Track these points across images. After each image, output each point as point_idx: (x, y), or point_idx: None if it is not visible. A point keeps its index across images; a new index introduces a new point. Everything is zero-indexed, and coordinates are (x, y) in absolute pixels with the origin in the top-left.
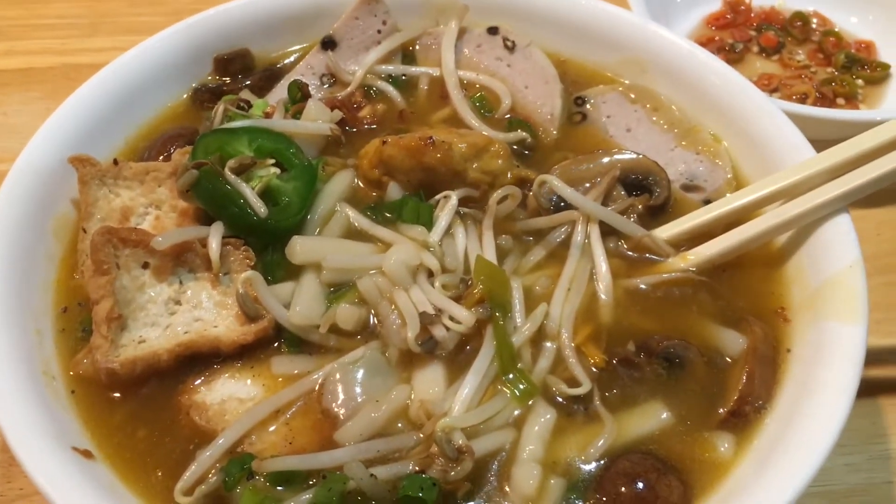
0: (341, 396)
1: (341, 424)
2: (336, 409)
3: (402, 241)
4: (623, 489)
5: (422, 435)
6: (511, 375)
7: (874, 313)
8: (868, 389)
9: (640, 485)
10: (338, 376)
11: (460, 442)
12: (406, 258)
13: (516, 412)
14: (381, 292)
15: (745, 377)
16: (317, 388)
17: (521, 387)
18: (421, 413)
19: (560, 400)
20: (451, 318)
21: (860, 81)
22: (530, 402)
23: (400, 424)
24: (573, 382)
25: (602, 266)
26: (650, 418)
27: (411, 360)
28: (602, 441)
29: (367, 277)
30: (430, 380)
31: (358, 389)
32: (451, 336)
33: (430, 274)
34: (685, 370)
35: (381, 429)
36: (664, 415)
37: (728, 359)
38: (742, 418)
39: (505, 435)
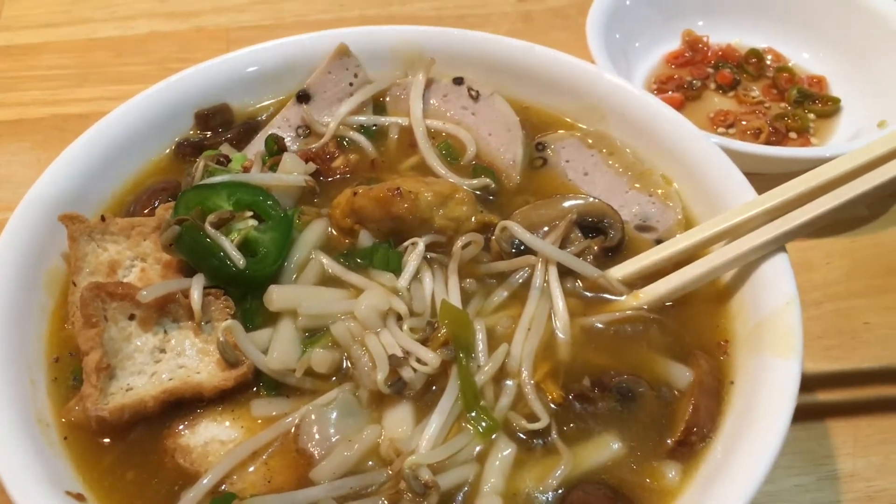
0: (316, 436)
1: (316, 463)
2: (311, 449)
3: (372, 287)
4: None
5: (391, 472)
6: (474, 413)
7: (824, 339)
8: (816, 413)
9: None
10: (313, 417)
11: (426, 477)
12: (376, 303)
13: (479, 448)
14: (352, 336)
15: (691, 408)
16: (293, 429)
17: (484, 423)
18: (390, 451)
19: (520, 435)
20: (419, 360)
21: (812, 115)
22: (493, 437)
23: (371, 462)
24: (533, 418)
25: (559, 305)
26: (603, 450)
27: (381, 400)
28: (559, 472)
29: (340, 322)
30: (398, 419)
31: (332, 430)
32: (418, 377)
33: (399, 318)
34: (636, 403)
35: (353, 467)
36: (616, 446)
37: (676, 391)
38: (688, 447)
39: (468, 469)
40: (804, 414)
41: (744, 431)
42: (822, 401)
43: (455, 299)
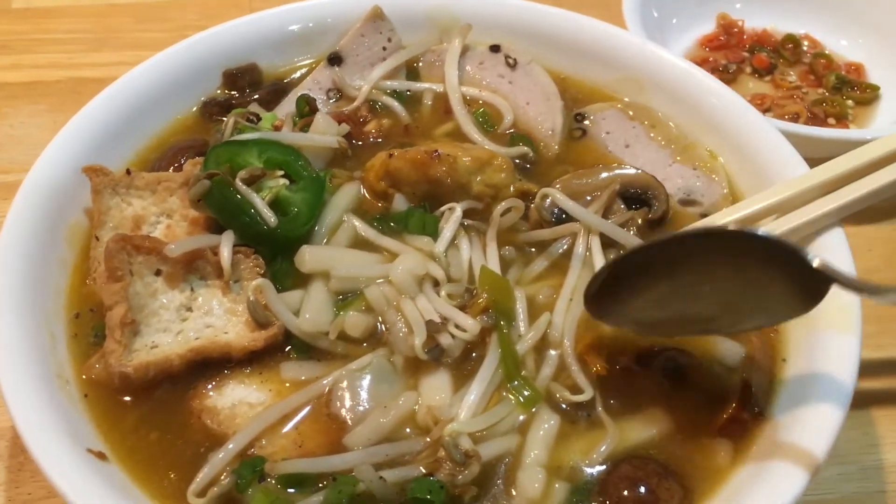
0: (348, 402)
1: (350, 429)
2: (344, 415)
3: (408, 252)
4: (625, 492)
5: (429, 440)
6: (516, 382)
7: (867, 326)
8: (861, 401)
9: (642, 489)
10: (345, 383)
11: (467, 447)
12: (412, 267)
13: (521, 418)
14: (388, 301)
15: (742, 385)
16: (324, 394)
17: (526, 393)
18: (428, 418)
19: (563, 406)
20: (457, 327)
21: (850, 102)
22: (534, 409)
23: (408, 430)
24: (576, 389)
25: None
26: (651, 425)
27: (417, 367)
28: (605, 446)
29: (375, 286)
30: (436, 386)
31: (365, 396)
32: (456, 344)
33: (436, 283)
34: (684, 378)
35: (389, 434)
36: (664, 421)
37: (727, 367)
38: (739, 425)
39: (510, 440)
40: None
41: (798, 412)
42: (866, 389)
43: (494, 266)
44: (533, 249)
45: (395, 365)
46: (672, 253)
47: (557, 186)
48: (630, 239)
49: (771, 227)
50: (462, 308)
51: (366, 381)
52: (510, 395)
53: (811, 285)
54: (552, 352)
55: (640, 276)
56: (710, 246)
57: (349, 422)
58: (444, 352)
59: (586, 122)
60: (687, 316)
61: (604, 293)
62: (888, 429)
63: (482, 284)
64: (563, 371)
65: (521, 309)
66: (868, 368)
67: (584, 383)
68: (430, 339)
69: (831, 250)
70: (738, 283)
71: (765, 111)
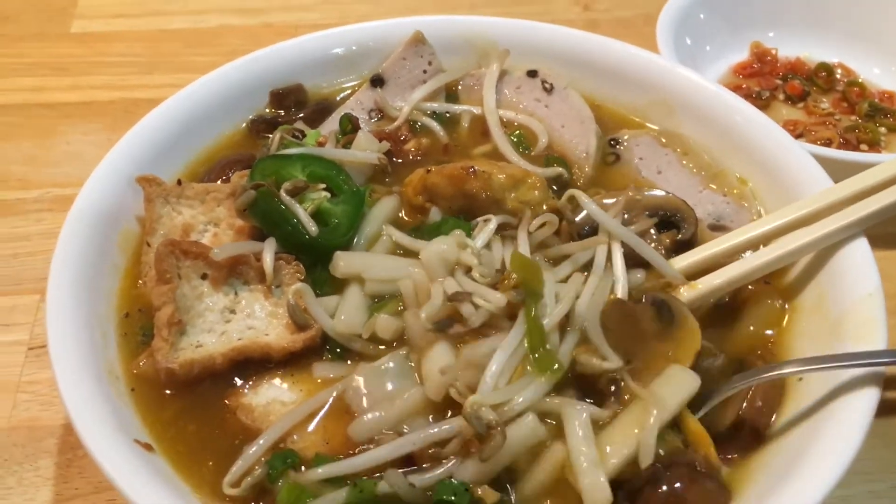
0: (366, 402)
1: (357, 421)
2: (360, 412)
3: (440, 239)
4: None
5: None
6: (538, 355)
7: None
8: (892, 420)
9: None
10: (363, 381)
11: (490, 417)
12: (442, 249)
13: (546, 399)
14: (416, 291)
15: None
16: (344, 391)
17: (552, 366)
18: (452, 390)
19: (588, 401)
20: (482, 298)
21: (883, 129)
22: (557, 401)
23: (430, 418)
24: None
25: (621, 278)
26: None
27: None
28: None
29: (407, 280)
30: (436, 357)
31: (383, 394)
32: (479, 314)
33: (468, 270)
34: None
35: (396, 424)
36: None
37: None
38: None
39: (535, 428)
40: (879, 420)
41: (819, 426)
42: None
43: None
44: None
45: (415, 363)
46: None
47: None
48: (643, 247)
49: (794, 239)
50: (492, 287)
51: (384, 380)
52: (532, 369)
53: None
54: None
55: None
56: None
57: (364, 418)
58: (451, 325)
59: (620, 147)
60: None
61: None
62: None
63: (512, 266)
64: (585, 344)
65: (549, 291)
66: None
67: (610, 353)
68: (454, 312)
69: (854, 261)
70: None
71: (797, 137)
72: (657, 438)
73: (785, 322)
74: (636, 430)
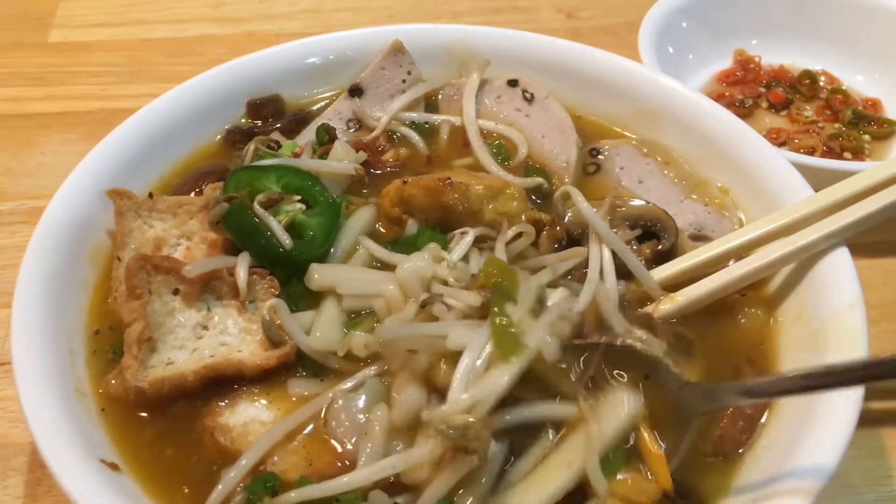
0: (344, 423)
1: (346, 451)
2: (340, 435)
3: (416, 254)
4: None
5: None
6: (503, 342)
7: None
8: (874, 432)
9: None
10: (340, 403)
11: (458, 422)
12: (418, 268)
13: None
14: (389, 307)
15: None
16: (323, 412)
17: (514, 348)
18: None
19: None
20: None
21: (867, 137)
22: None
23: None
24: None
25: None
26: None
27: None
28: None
29: (380, 298)
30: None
31: (358, 415)
32: (451, 314)
33: (444, 283)
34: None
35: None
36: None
37: None
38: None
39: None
40: (862, 433)
41: (802, 439)
42: (881, 419)
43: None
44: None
45: (387, 383)
46: None
47: (569, 213)
48: (634, 260)
49: (774, 250)
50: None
51: (359, 401)
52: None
53: None
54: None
55: None
56: None
57: (346, 442)
58: None
59: (601, 157)
60: None
61: None
62: None
63: (487, 268)
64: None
65: (524, 292)
66: (883, 398)
67: (654, 341)
68: (425, 317)
69: (835, 272)
70: None
71: (780, 145)
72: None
73: (769, 332)
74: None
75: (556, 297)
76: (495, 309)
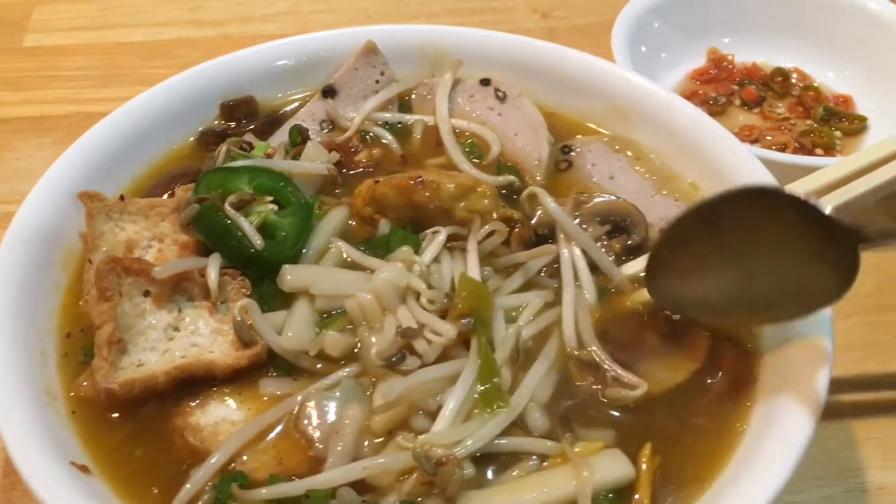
0: (316, 422)
1: (315, 449)
2: (311, 433)
3: (390, 265)
4: None
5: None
6: (486, 387)
7: (853, 351)
8: (845, 425)
9: None
10: (313, 402)
11: (439, 454)
12: (393, 277)
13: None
14: (364, 313)
15: None
16: (295, 412)
17: (496, 400)
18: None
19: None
20: (433, 332)
21: (838, 133)
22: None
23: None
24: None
25: (588, 284)
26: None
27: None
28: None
29: (353, 299)
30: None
31: (332, 415)
32: (433, 349)
33: (419, 296)
34: None
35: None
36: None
37: None
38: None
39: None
40: (832, 425)
41: (765, 433)
42: (851, 412)
43: (475, 275)
44: (512, 271)
45: (363, 384)
46: (716, 222)
47: (538, 212)
48: (602, 255)
49: None
50: (442, 314)
51: (333, 401)
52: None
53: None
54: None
55: (691, 251)
56: (750, 215)
57: (316, 441)
58: (404, 360)
59: (572, 154)
60: (744, 298)
61: (660, 274)
62: (872, 451)
63: (461, 290)
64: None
65: (498, 314)
66: (853, 392)
67: (634, 379)
68: (406, 346)
69: None
70: (781, 258)
71: (753, 142)
72: None
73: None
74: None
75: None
76: (480, 347)
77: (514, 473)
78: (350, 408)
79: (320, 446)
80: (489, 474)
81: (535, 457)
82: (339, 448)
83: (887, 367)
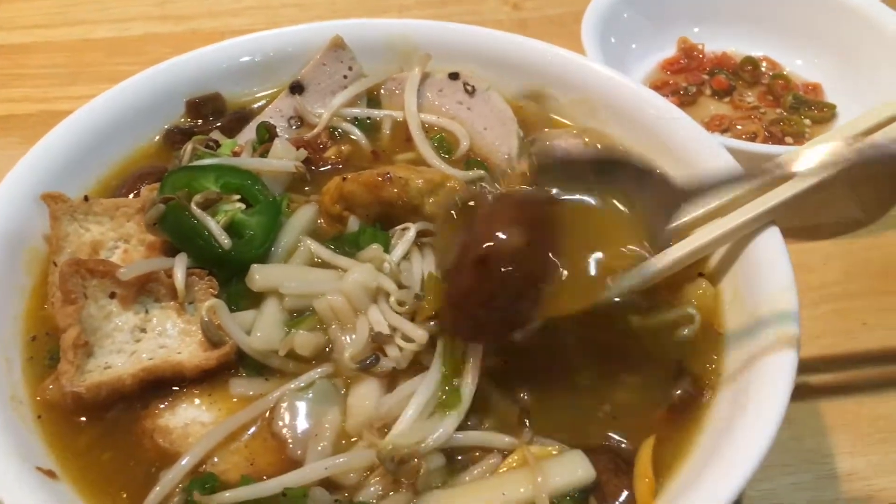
0: (289, 422)
1: (289, 450)
2: (285, 434)
3: (360, 265)
4: None
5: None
6: (446, 392)
7: (822, 339)
8: (815, 412)
9: None
10: (286, 403)
11: (402, 453)
12: (363, 279)
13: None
14: (334, 313)
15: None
16: (269, 411)
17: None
18: (366, 430)
19: None
20: (405, 337)
21: (808, 121)
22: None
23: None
24: None
25: None
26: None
27: (356, 381)
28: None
29: (324, 299)
30: (362, 394)
31: (305, 416)
32: (405, 355)
33: (389, 296)
34: None
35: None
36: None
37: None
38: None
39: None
40: (802, 412)
41: (736, 419)
42: (821, 399)
43: None
44: None
45: (337, 385)
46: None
47: None
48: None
49: (707, 231)
50: (412, 315)
51: (306, 402)
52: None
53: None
54: None
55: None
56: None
57: (289, 442)
58: (377, 362)
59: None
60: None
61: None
62: (842, 438)
63: (427, 292)
64: None
65: None
66: (822, 379)
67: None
68: (378, 349)
69: (768, 249)
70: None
71: (723, 131)
72: None
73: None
74: None
75: None
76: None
77: (477, 472)
78: (327, 409)
79: (294, 447)
80: (456, 464)
81: (495, 451)
82: (320, 449)
83: (856, 354)
